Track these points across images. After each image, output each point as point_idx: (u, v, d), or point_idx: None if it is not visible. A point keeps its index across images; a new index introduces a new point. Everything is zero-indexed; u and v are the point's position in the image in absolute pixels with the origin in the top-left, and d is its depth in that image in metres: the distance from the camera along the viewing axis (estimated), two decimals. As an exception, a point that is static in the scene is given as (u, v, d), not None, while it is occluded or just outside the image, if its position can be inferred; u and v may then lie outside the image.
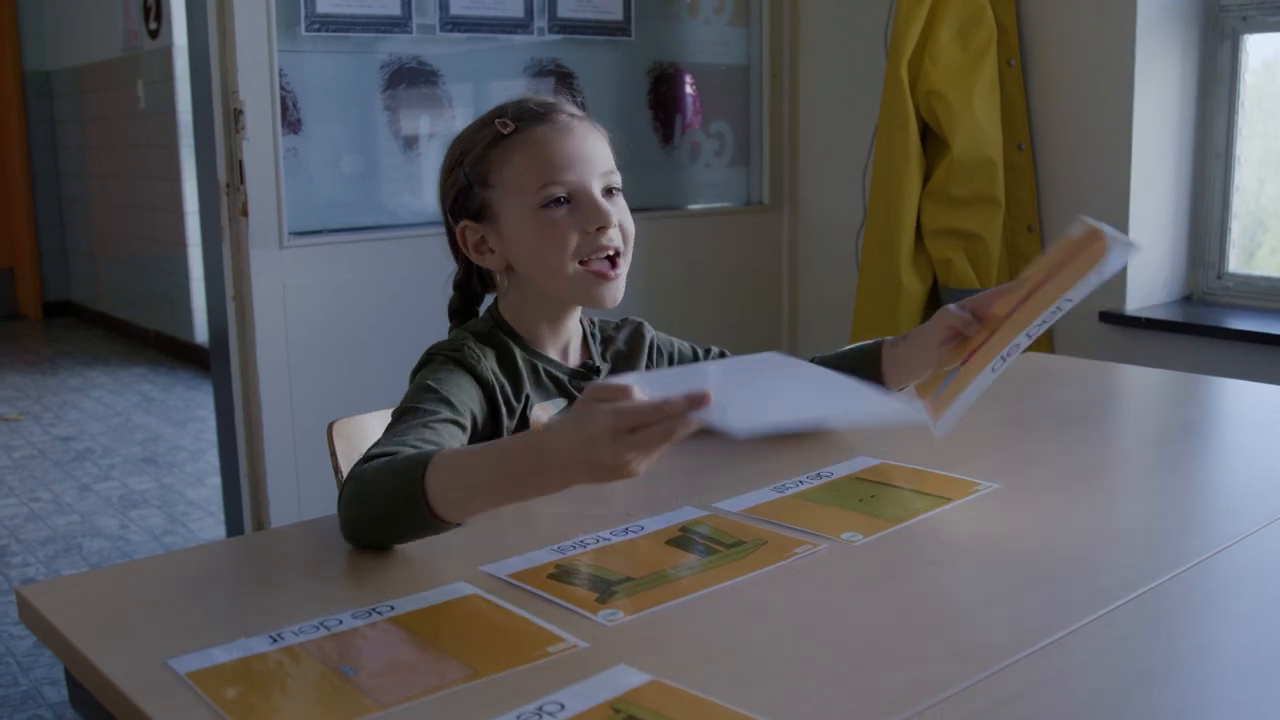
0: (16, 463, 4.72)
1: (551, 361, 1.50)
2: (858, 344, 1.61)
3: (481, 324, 1.50)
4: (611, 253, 1.44)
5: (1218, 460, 1.64)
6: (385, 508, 1.16)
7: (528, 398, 1.46)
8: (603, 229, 1.42)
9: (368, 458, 1.23)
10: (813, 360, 1.51)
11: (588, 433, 1.00)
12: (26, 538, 3.84)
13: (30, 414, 5.53)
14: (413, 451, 1.22)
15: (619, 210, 1.45)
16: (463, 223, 1.48)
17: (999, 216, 3.19)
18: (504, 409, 1.43)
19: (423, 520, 1.15)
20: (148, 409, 5.61)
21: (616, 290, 1.45)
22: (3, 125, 8.07)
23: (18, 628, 3.09)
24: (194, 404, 5.67)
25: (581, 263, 1.42)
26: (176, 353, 6.74)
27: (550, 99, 1.49)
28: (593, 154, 1.45)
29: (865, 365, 1.54)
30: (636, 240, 1.49)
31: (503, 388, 1.44)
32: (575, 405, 1.06)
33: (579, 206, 1.42)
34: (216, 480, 3.92)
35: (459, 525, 1.16)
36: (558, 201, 1.42)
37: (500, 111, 1.47)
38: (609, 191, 1.45)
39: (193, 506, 4.13)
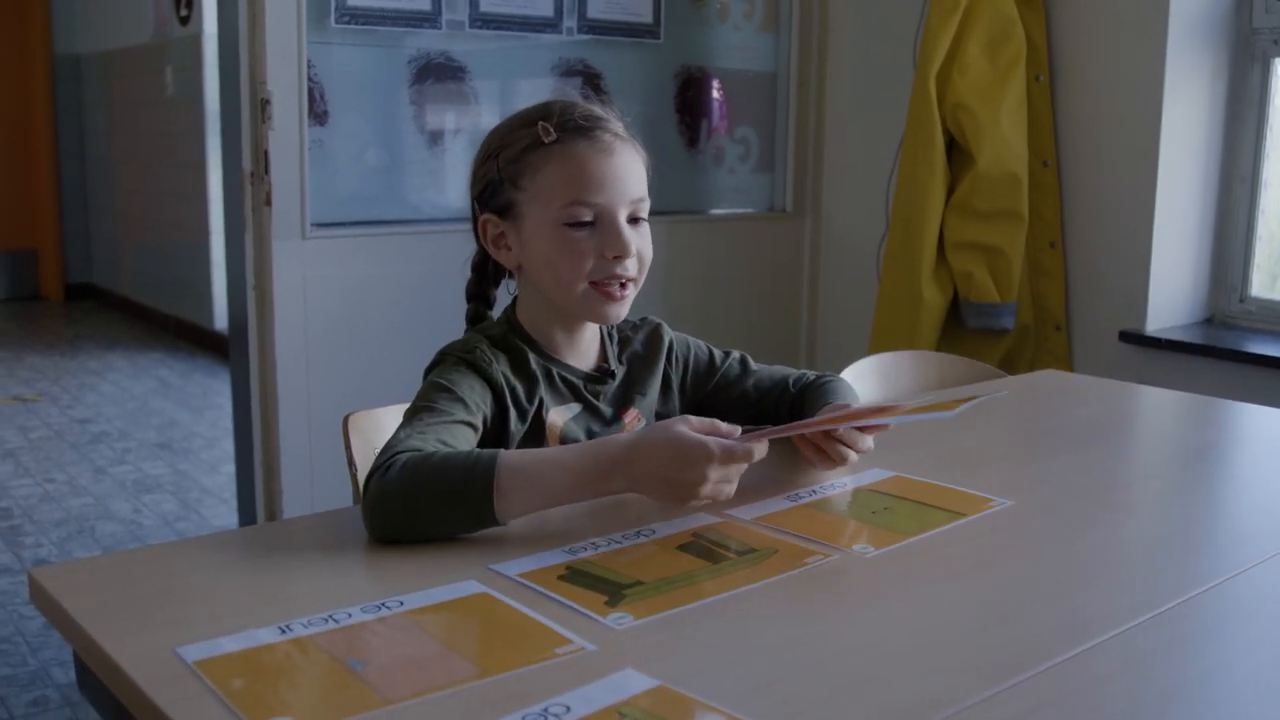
0: (33, 444, 4.74)
1: (566, 366, 1.49)
2: (825, 381, 1.63)
3: (496, 328, 1.50)
4: (624, 280, 1.43)
5: (1235, 485, 1.63)
6: (441, 500, 1.20)
7: (542, 402, 1.46)
8: (620, 257, 1.41)
9: (393, 451, 1.24)
10: (794, 382, 1.63)
11: (684, 453, 1.22)
12: (40, 518, 3.85)
13: (48, 395, 5.56)
14: (463, 450, 1.27)
15: (640, 238, 1.44)
16: (486, 215, 1.48)
17: (1022, 231, 3.18)
18: (514, 413, 1.43)
19: (477, 516, 1.21)
20: (165, 394, 5.63)
21: (620, 309, 1.45)
22: (31, 109, 8.12)
23: (28, 608, 3.10)
24: (211, 391, 5.69)
25: (592, 283, 1.42)
26: (195, 339, 6.76)
27: (599, 112, 1.46)
28: (627, 179, 1.43)
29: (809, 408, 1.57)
30: (659, 245, 1.49)
31: (514, 392, 1.43)
32: (673, 432, 1.24)
33: (601, 230, 1.41)
34: (231, 468, 3.94)
35: (499, 526, 1.23)
36: (581, 222, 1.41)
37: (545, 114, 1.44)
38: (634, 219, 1.44)
39: (206, 493, 4.14)
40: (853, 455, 1.44)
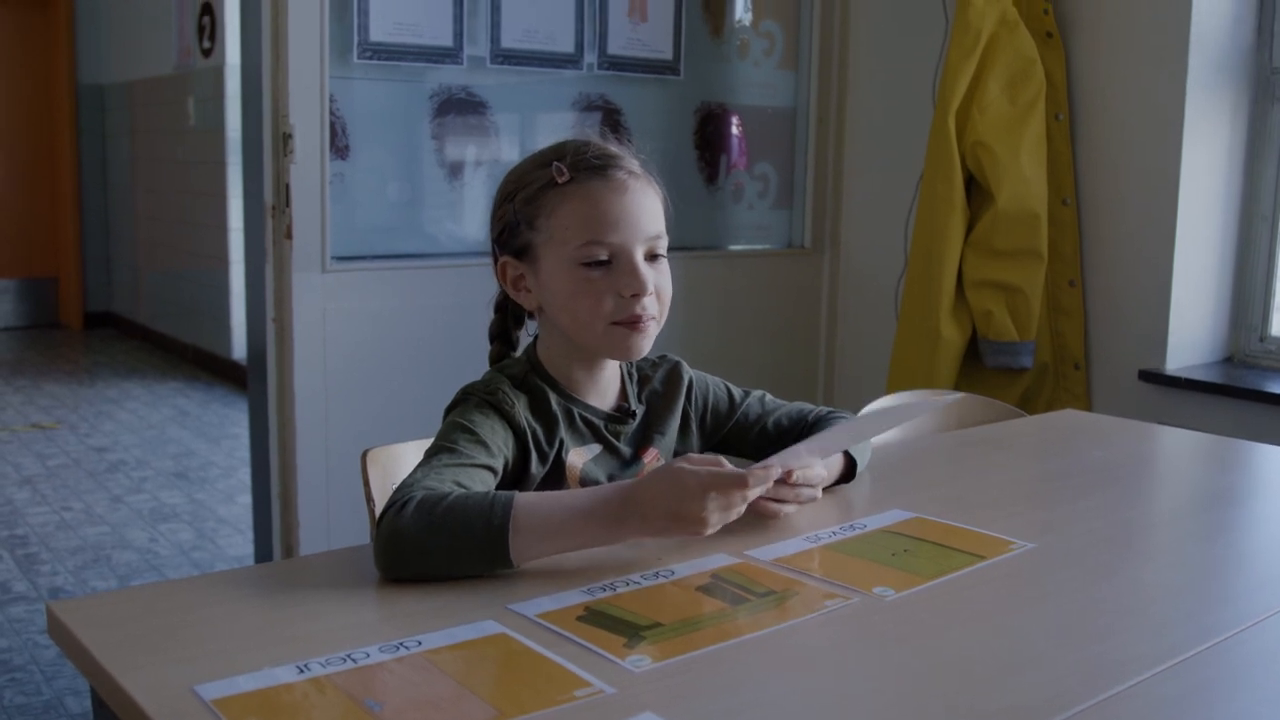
0: (50, 471, 4.76)
1: (587, 406, 1.49)
2: (824, 419, 1.64)
3: (518, 367, 1.49)
4: (645, 318, 1.42)
5: (1256, 528, 1.62)
6: (456, 540, 1.20)
7: (562, 443, 1.45)
8: (638, 296, 1.41)
9: (408, 490, 1.24)
10: (811, 418, 1.64)
11: (682, 484, 1.22)
12: (56, 546, 3.86)
13: (66, 423, 5.58)
14: (479, 491, 1.27)
15: (659, 275, 1.44)
16: (504, 258, 1.48)
17: (1041, 270, 3.18)
18: (535, 455, 1.42)
19: (491, 557, 1.20)
20: (182, 423, 5.65)
21: (644, 342, 1.44)
22: (54, 137, 8.19)
23: (43, 636, 3.10)
24: (228, 420, 5.70)
25: (613, 322, 1.42)
26: (213, 368, 6.79)
27: (613, 150, 1.46)
28: (642, 216, 1.42)
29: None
30: (677, 281, 1.49)
31: (534, 434, 1.43)
32: (672, 467, 1.25)
33: (618, 270, 1.41)
34: (247, 498, 3.94)
35: (512, 569, 1.22)
36: (598, 261, 1.41)
37: (560, 153, 1.44)
38: (653, 256, 1.44)
39: (222, 523, 4.14)
40: (788, 508, 1.44)
